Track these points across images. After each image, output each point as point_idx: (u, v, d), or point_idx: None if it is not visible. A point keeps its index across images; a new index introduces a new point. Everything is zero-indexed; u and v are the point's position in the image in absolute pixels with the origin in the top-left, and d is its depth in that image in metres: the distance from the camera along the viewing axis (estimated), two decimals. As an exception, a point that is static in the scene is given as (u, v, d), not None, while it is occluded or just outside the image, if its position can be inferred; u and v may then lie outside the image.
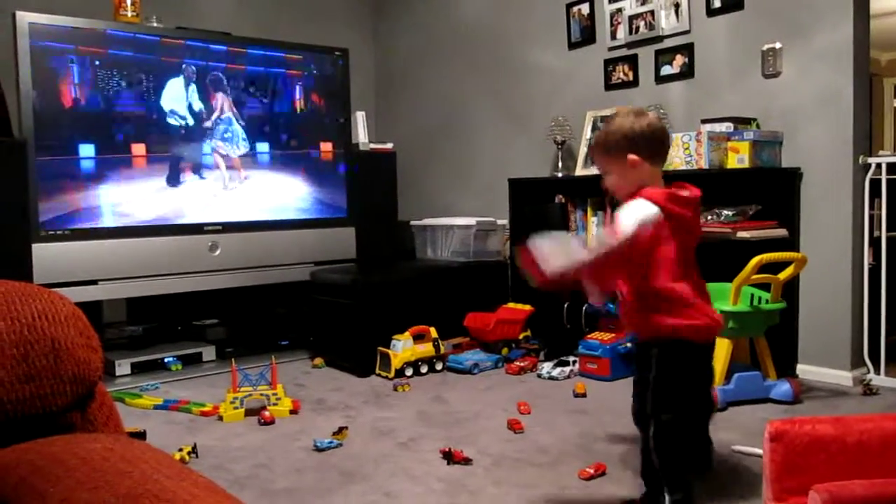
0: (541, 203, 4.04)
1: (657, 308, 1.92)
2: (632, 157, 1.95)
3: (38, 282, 3.19)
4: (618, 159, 1.98)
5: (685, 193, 1.95)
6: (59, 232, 3.42)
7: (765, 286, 3.00)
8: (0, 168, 3.17)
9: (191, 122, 3.81)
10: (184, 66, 3.77)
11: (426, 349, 3.62)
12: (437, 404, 3.12)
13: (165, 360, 3.79)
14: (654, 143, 1.98)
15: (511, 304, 3.95)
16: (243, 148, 3.99)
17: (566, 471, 2.33)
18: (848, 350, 3.27)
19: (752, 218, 3.27)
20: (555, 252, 1.83)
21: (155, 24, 3.83)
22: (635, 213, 1.88)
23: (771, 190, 3.35)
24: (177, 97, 3.76)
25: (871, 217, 3.31)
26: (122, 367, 3.67)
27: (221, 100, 3.91)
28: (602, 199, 3.81)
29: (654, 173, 1.99)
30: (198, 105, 3.83)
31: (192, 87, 3.81)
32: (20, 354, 1.04)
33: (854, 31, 3.19)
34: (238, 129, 3.97)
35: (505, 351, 3.78)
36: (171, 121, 3.75)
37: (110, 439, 1.02)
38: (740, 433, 2.63)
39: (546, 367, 3.53)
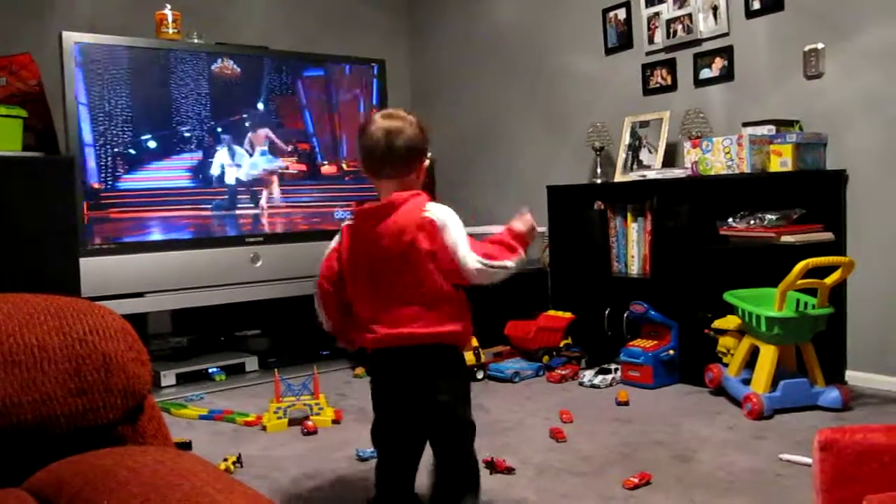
0: (580, 210, 4.02)
1: None
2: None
3: (85, 295, 3.26)
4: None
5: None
6: (105, 246, 3.50)
7: (811, 291, 2.95)
8: (48, 184, 3.23)
9: (232, 135, 3.87)
10: (226, 81, 3.84)
11: (467, 358, 3.62)
12: (479, 413, 3.10)
13: (209, 370, 3.83)
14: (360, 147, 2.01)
15: (551, 312, 3.93)
16: (283, 160, 4.04)
17: (610, 480, 2.31)
18: (899, 355, 3.20)
19: (796, 222, 3.21)
20: None
21: (196, 41, 3.89)
22: None
23: (815, 193, 3.29)
24: (219, 115, 3.82)
25: (921, 219, 3.24)
26: (168, 377, 3.73)
27: (262, 112, 3.96)
28: (642, 205, 3.78)
29: (375, 185, 2.04)
30: (240, 119, 3.89)
31: (233, 101, 3.87)
32: (72, 369, 1.07)
33: (899, 30, 3.13)
34: (277, 143, 4.02)
35: (546, 359, 3.76)
36: (214, 137, 3.81)
37: (160, 452, 1.04)
38: (788, 441, 2.58)
39: (588, 375, 3.50)
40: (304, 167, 4.12)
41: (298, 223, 4.09)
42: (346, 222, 2.03)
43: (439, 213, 1.93)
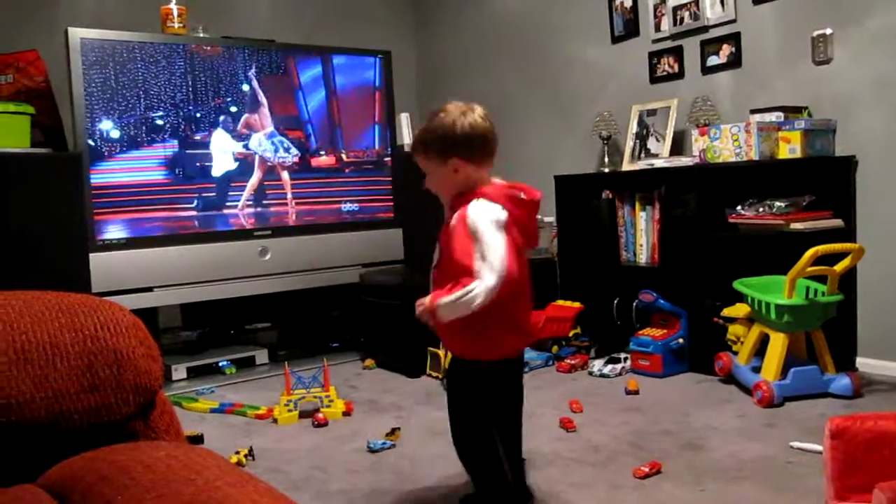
0: (588, 199, 4.02)
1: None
2: (453, 160, 1.84)
3: (95, 290, 3.28)
4: (436, 161, 1.87)
5: (522, 195, 1.87)
6: (114, 241, 3.51)
7: (821, 278, 2.94)
8: (57, 181, 3.25)
9: (239, 129, 3.87)
10: (230, 78, 3.84)
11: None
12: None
13: (220, 363, 3.85)
14: (474, 144, 1.84)
15: (560, 302, 3.89)
16: (290, 155, 4.04)
17: (620, 469, 2.31)
18: (909, 342, 3.18)
19: (805, 209, 3.20)
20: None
21: (202, 35, 3.89)
22: (488, 217, 1.79)
23: (825, 179, 3.27)
24: (225, 112, 3.82)
25: (931, 204, 3.22)
26: (179, 371, 3.75)
27: (266, 108, 3.96)
28: (650, 193, 3.77)
29: (481, 176, 1.88)
30: (245, 114, 3.89)
31: (239, 97, 3.87)
32: (84, 365, 1.08)
33: (908, 14, 3.11)
34: (283, 139, 4.02)
35: (555, 349, 3.76)
36: (224, 130, 3.81)
37: (172, 447, 1.05)
38: (799, 429, 2.58)
39: (597, 365, 3.50)
40: (309, 160, 4.12)
41: (305, 216, 4.09)
42: (502, 215, 1.82)
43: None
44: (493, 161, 1.90)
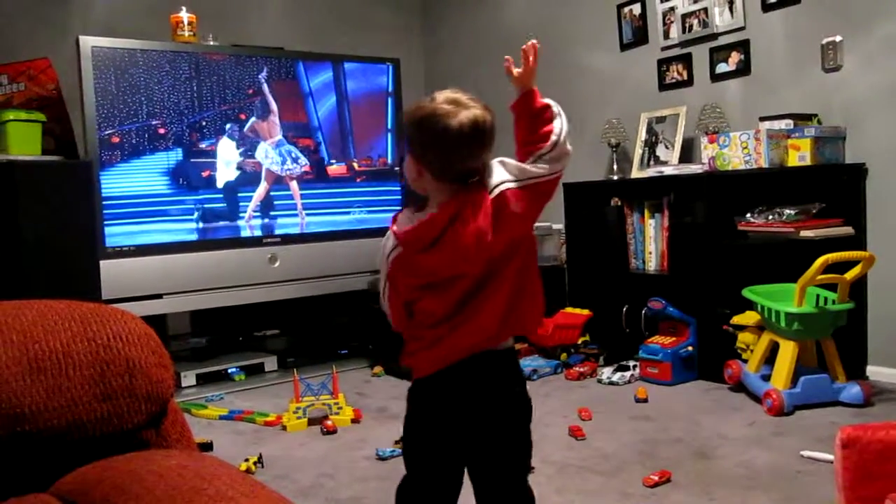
0: (597, 207, 4.02)
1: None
2: (408, 156, 1.45)
3: (106, 297, 3.29)
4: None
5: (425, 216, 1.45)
6: (124, 248, 3.53)
7: (831, 286, 2.93)
8: (67, 188, 3.26)
9: (248, 137, 3.89)
10: (240, 87, 3.86)
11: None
12: (498, 411, 3.11)
13: (229, 370, 3.86)
14: (428, 144, 1.41)
15: (569, 309, 3.92)
16: (298, 166, 4.05)
17: (630, 478, 2.31)
18: (921, 350, 3.17)
19: (815, 216, 3.19)
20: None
21: (212, 43, 3.91)
22: (382, 248, 1.55)
23: (835, 187, 3.26)
24: (234, 120, 3.84)
25: (942, 212, 3.21)
26: (188, 378, 3.75)
27: (276, 116, 3.97)
28: (659, 201, 3.76)
29: (438, 188, 1.45)
30: (255, 123, 3.91)
31: (250, 106, 3.89)
32: (97, 374, 1.08)
33: (918, 21, 3.10)
34: (292, 148, 4.03)
35: (564, 356, 3.76)
36: (230, 138, 3.83)
37: (184, 455, 1.05)
38: (809, 438, 2.57)
39: (606, 373, 3.49)
40: (319, 167, 4.13)
41: (314, 223, 4.10)
42: (388, 246, 1.56)
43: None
44: (462, 178, 1.44)
